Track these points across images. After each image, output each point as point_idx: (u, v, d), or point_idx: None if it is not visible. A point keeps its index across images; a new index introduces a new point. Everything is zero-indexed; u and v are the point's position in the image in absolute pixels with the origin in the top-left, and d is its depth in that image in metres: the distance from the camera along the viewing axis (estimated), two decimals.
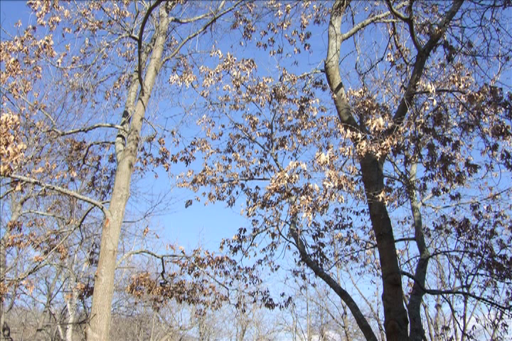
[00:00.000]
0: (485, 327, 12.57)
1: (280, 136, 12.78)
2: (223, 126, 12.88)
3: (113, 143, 10.72)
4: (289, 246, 12.45)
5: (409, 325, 7.87)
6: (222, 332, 35.71)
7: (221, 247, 12.38)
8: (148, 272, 11.59)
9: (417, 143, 9.67)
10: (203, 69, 10.87)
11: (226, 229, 51.96)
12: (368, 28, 13.23)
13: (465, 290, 12.67)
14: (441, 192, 10.13)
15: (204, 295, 11.56)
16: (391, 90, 12.14)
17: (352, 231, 12.96)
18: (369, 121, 6.95)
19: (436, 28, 8.33)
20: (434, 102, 8.54)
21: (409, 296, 12.42)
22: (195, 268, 11.30)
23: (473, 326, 12.85)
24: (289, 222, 12.17)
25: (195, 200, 12.30)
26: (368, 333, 9.72)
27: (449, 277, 20.03)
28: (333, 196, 6.69)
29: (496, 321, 12.08)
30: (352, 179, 9.11)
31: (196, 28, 12.52)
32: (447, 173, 9.02)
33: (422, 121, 9.31)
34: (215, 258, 11.43)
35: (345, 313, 27.78)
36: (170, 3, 11.78)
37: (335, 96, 9.15)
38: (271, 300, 12.33)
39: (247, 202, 12.40)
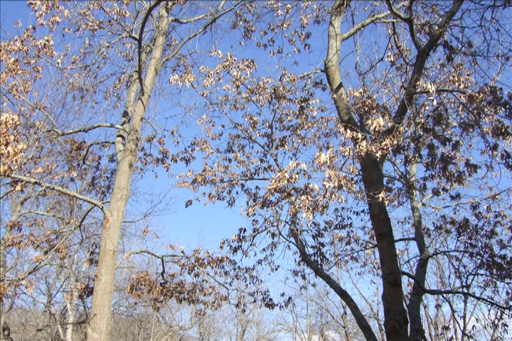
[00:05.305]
0: (485, 327, 12.57)
1: (280, 136, 12.79)
2: (223, 126, 12.90)
3: (113, 143, 10.72)
4: (289, 246, 12.46)
5: (409, 325, 7.87)
6: (222, 332, 35.75)
7: (221, 247, 12.38)
8: (148, 272, 11.58)
9: (417, 143, 9.67)
10: (203, 69, 10.87)
11: (226, 229, 52.03)
12: (368, 28, 13.25)
13: (465, 290, 12.66)
14: (441, 192, 10.13)
15: (204, 295, 11.56)
16: (391, 90, 12.14)
17: (352, 231, 12.97)
18: (369, 121, 6.95)
19: (436, 28, 8.33)
20: (434, 102, 8.54)
21: (409, 296, 12.42)
22: (195, 268, 11.30)
23: (473, 326, 12.86)
24: (289, 222, 12.17)
25: (195, 200, 12.31)
26: (368, 333, 9.72)
27: (449, 277, 20.05)
28: (333, 196, 6.69)
29: (496, 321, 12.08)
30: (352, 179, 9.11)
31: (196, 28, 12.54)
32: (447, 173, 9.01)
33: (422, 121, 9.31)
34: (215, 258, 11.43)
35: (345, 313, 27.78)
36: (170, 3, 11.78)
37: (335, 96, 9.14)
38: (271, 300, 12.33)
39: (247, 202, 12.40)
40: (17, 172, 9.55)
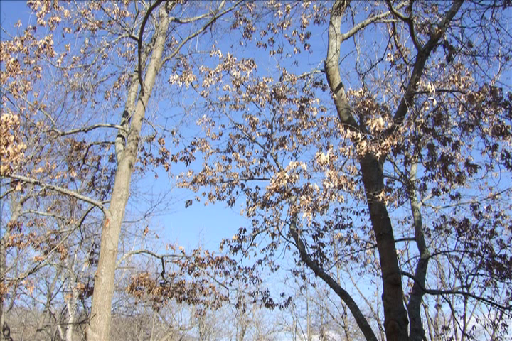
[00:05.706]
0: (485, 327, 12.56)
1: (280, 136, 12.79)
2: (223, 126, 12.90)
3: (113, 143, 10.72)
4: (289, 246, 12.46)
5: (409, 325, 7.87)
6: (222, 332, 35.75)
7: (221, 247, 12.38)
8: (148, 272, 11.58)
9: (417, 143, 9.67)
10: (203, 69, 10.88)
11: (226, 229, 52.04)
12: (368, 28, 13.25)
13: (465, 290, 12.66)
14: (441, 192, 10.13)
15: (204, 295, 11.56)
16: (391, 90, 12.14)
17: (352, 231, 12.97)
18: (369, 121, 6.95)
19: (436, 28, 8.33)
20: (434, 102, 8.54)
21: (409, 296, 12.42)
22: (195, 268, 11.30)
23: (473, 326, 12.86)
24: (289, 222, 12.17)
25: (195, 200, 12.31)
26: (368, 333, 9.72)
27: (449, 277, 20.05)
28: (333, 196, 6.69)
29: (496, 321, 12.08)
30: (352, 179, 9.11)
31: (196, 28, 12.55)
32: (447, 173, 9.01)
33: (422, 121, 9.31)
34: (215, 258, 11.43)
35: (345, 313, 27.78)
36: (170, 3, 11.78)
37: (335, 96, 9.15)
38: (271, 300, 12.33)
39: (247, 202, 12.40)
40: (17, 172, 9.55)
